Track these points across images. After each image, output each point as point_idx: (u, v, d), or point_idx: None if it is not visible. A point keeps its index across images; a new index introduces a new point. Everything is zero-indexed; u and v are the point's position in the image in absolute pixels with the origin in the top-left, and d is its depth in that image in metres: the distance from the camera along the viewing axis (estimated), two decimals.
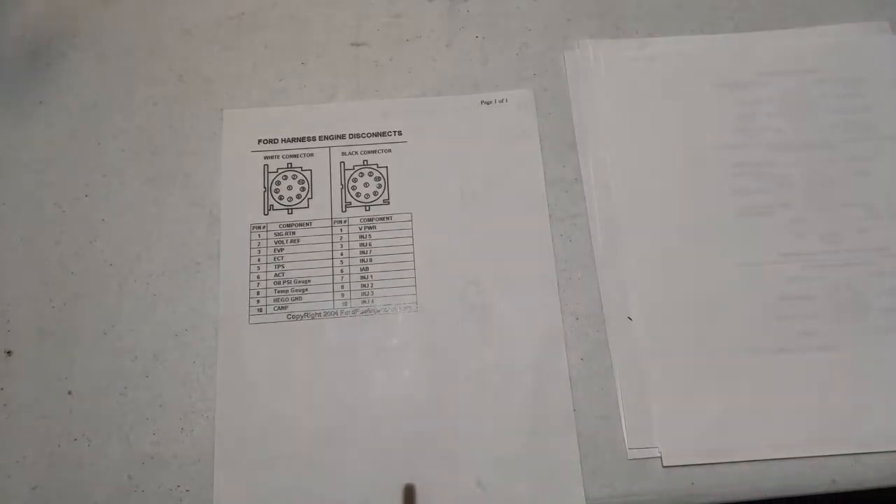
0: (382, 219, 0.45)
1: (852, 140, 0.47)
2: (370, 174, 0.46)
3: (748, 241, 0.45)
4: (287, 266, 0.44)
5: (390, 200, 0.46)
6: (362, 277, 0.44)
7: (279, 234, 0.45)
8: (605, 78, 0.49)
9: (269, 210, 0.46)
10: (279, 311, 0.43)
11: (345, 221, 0.45)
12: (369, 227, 0.45)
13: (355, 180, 0.46)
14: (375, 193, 0.46)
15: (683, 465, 0.41)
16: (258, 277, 0.44)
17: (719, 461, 0.41)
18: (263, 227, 0.45)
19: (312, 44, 0.50)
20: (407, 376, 0.42)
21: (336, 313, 0.44)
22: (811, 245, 0.45)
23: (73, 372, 0.42)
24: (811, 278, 0.44)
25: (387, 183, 0.46)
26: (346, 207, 0.46)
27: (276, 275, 0.44)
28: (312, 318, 0.43)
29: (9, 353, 0.43)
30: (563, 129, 0.48)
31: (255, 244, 0.45)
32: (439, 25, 0.50)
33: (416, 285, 0.44)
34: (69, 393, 0.42)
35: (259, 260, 0.44)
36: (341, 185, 0.46)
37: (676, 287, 0.44)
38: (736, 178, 0.46)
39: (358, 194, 0.46)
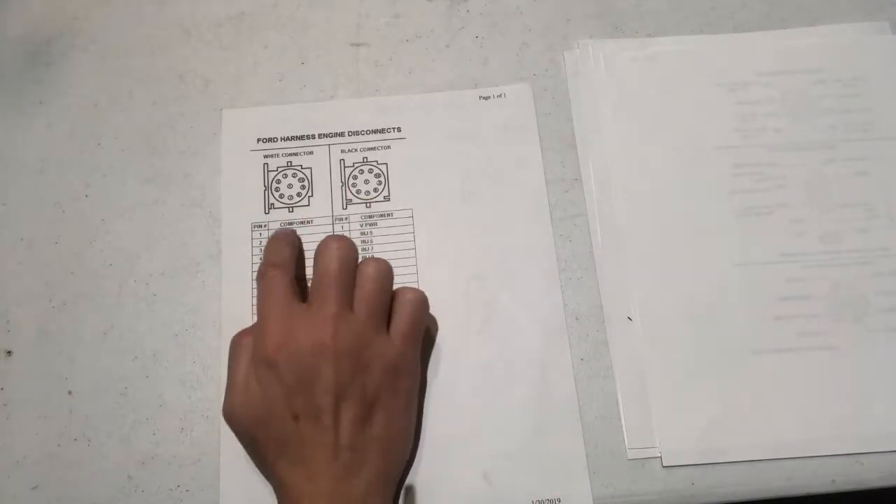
0: (383, 215, 0.45)
1: (852, 140, 0.47)
2: (370, 171, 0.46)
3: (748, 241, 0.45)
4: None
5: (391, 197, 0.46)
6: None
7: None
8: (605, 78, 0.49)
9: (269, 209, 0.46)
10: None
11: (346, 219, 0.45)
12: (370, 224, 0.45)
13: (355, 177, 0.46)
14: (376, 190, 0.46)
15: (683, 465, 0.41)
16: None
17: (719, 461, 0.41)
18: (264, 226, 0.45)
19: (312, 44, 0.50)
20: None
21: None
22: (811, 245, 0.45)
23: (73, 372, 0.42)
24: (811, 278, 0.44)
25: (387, 179, 0.46)
26: (346, 205, 0.46)
27: None
28: None
29: (9, 353, 0.43)
30: (563, 128, 0.48)
31: (256, 243, 0.45)
32: (439, 25, 0.50)
33: (418, 281, 0.44)
34: (69, 393, 0.42)
35: (261, 259, 0.44)
36: (341, 182, 0.46)
37: (676, 287, 0.44)
38: (736, 179, 0.46)
39: (358, 191, 0.46)
